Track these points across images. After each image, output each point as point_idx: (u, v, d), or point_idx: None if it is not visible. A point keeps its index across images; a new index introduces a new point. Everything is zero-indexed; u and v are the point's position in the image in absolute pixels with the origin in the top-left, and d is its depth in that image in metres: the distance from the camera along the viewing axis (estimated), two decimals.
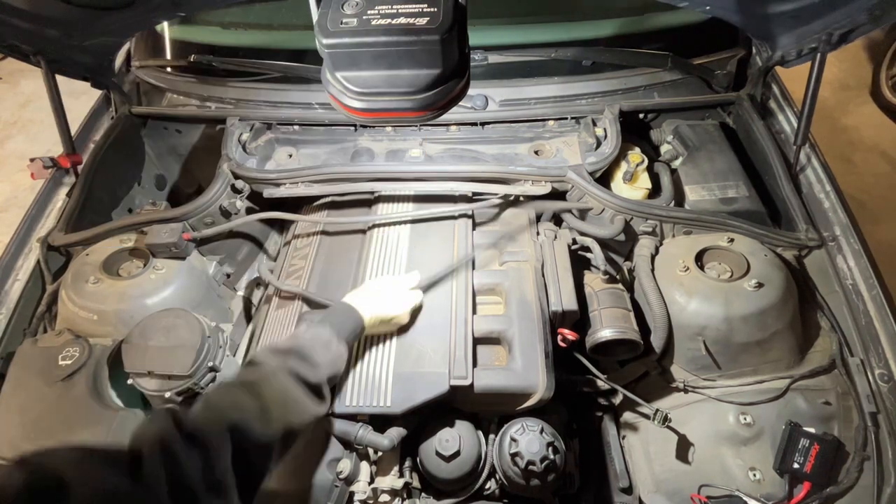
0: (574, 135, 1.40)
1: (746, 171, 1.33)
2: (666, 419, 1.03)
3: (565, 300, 1.07)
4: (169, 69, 1.56)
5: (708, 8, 1.13)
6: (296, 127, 1.44)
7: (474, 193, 1.27)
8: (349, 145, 1.41)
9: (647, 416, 1.12)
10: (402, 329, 1.03)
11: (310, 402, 0.76)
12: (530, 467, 0.90)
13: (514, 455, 0.92)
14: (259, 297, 1.44)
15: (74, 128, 1.42)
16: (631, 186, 1.31)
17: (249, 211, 1.34)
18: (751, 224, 1.17)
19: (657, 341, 1.09)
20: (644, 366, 1.15)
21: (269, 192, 1.30)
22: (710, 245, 1.15)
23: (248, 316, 1.38)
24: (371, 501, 0.94)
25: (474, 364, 0.97)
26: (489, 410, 1.02)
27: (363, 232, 1.24)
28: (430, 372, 0.97)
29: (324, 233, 1.27)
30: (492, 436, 0.99)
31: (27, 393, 1.00)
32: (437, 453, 0.93)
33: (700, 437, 1.06)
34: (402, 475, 0.95)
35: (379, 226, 1.24)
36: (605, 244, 1.22)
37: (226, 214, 1.30)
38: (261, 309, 1.28)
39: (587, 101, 1.40)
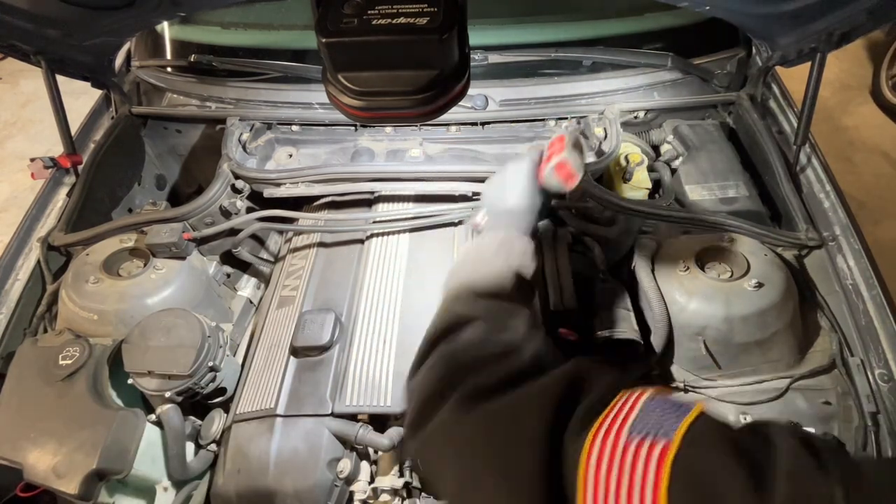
0: None
1: (746, 171, 1.33)
2: None
3: (565, 300, 1.07)
4: (169, 69, 1.56)
5: (708, 8, 1.13)
6: (296, 127, 1.44)
7: (474, 193, 1.27)
8: (349, 145, 1.41)
9: None
10: (402, 329, 1.03)
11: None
12: None
13: None
14: (259, 297, 1.45)
15: (74, 128, 1.42)
16: (631, 186, 1.31)
17: (250, 211, 1.34)
18: (751, 224, 1.17)
19: (657, 341, 1.09)
20: (644, 366, 1.15)
21: (269, 192, 1.30)
22: (710, 245, 1.15)
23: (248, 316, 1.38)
24: (371, 501, 0.94)
25: None
26: None
27: (363, 231, 1.25)
28: None
29: (324, 232, 1.27)
30: None
31: (27, 393, 1.00)
32: None
33: None
34: (402, 475, 0.95)
35: (379, 222, 1.24)
36: (605, 244, 1.22)
37: (226, 214, 1.30)
38: (261, 309, 1.28)
39: (587, 101, 1.40)
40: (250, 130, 1.39)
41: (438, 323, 0.66)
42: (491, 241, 0.80)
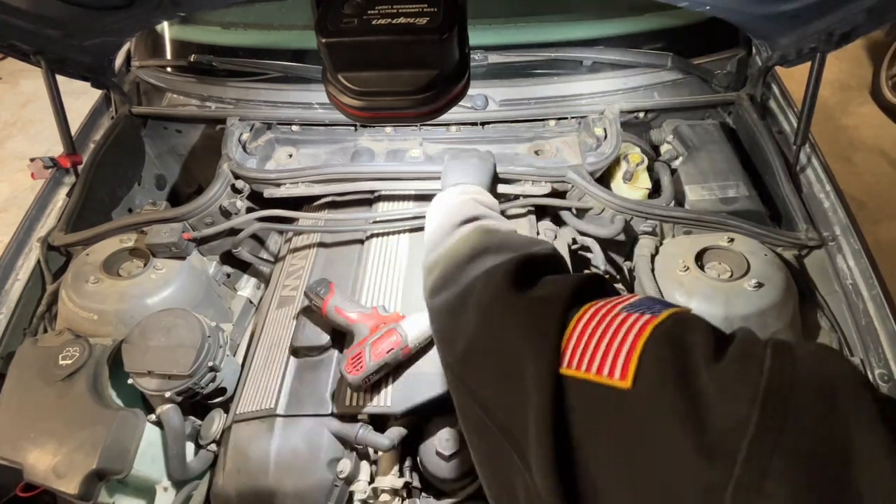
0: (574, 135, 1.40)
1: (746, 171, 1.33)
2: None
3: None
4: (169, 69, 1.56)
5: (708, 8, 1.13)
6: (296, 127, 1.44)
7: None
8: (349, 145, 1.41)
9: None
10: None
11: None
12: None
13: None
14: (259, 297, 1.45)
15: (74, 128, 1.42)
16: (631, 186, 1.31)
17: (250, 211, 1.34)
18: (751, 224, 1.17)
19: None
20: None
21: (269, 193, 1.30)
22: (710, 245, 1.15)
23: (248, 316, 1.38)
24: (371, 501, 0.94)
25: None
26: None
27: (363, 231, 1.25)
28: (430, 372, 0.97)
29: (324, 232, 1.27)
30: None
31: (27, 393, 1.00)
32: (437, 453, 0.93)
33: None
34: (402, 475, 0.95)
35: (380, 222, 1.24)
36: (605, 244, 1.22)
37: (226, 214, 1.30)
38: (261, 309, 1.28)
39: (587, 101, 1.40)
40: (250, 130, 1.39)
41: (456, 211, 0.77)
42: (466, 189, 0.93)
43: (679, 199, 1.30)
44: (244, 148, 1.37)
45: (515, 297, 0.50)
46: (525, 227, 1.23)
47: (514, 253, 0.58)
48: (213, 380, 1.06)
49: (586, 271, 1.19)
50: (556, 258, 0.62)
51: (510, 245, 0.63)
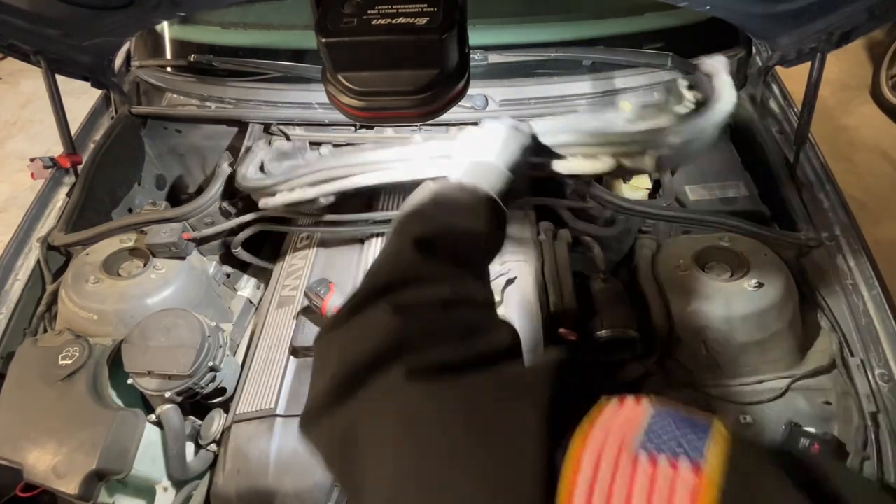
0: None
1: (746, 171, 1.33)
2: None
3: (565, 300, 1.07)
4: (169, 69, 1.56)
5: (708, 8, 1.13)
6: (324, 150, 1.39)
7: None
8: None
9: None
10: None
11: None
12: None
13: None
14: (259, 297, 1.45)
15: (74, 128, 1.42)
16: (631, 186, 1.31)
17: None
18: (751, 224, 1.17)
19: (657, 341, 1.09)
20: (644, 366, 1.15)
21: (263, 203, 1.23)
22: (710, 245, 1.15)
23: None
24: None
25: None
26: None
27: (363, 231, 1.24)
28: None
29: (324, 232, 1.27)
30: None
31: (27, 392, 1.00)
32: None
33: None
34: None
35: (380, 223, 1.24)
36: (605, 244, 1.22)
37: (226, 214, 1.30)
38: (261, 309, 1.28)
39: (587, 101, 1.40)
40: (271, 155, 1.33)
41: (391, 270, 0.54)
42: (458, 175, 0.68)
43: (679, 199, 1.30)
44: (262, 169, 1.30)
45: (462, 437, 0.34)
46: (525, 228, 1.23)
47: (439, 357, 0.40)
48: (213, 380, 1.06)
49: (588, 274, 1.17)
50: (512, 352, 0.44)
51: (435, 340, 0.43)
